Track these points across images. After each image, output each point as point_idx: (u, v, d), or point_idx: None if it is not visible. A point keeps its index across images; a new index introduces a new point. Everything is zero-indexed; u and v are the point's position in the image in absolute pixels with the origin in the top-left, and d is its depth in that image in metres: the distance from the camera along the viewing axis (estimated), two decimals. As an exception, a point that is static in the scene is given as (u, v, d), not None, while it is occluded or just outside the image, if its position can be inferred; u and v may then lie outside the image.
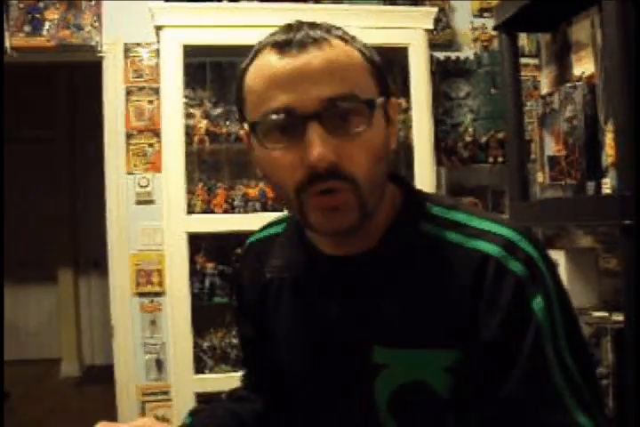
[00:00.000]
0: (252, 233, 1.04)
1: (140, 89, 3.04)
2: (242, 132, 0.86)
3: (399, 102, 0.83)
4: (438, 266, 0.80)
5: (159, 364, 3.02)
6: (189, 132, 2.78)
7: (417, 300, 0.80)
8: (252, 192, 2.85)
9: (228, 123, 2.89)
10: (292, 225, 0.93)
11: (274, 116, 0.75)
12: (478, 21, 3.28)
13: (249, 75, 0.80)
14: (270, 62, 0.77)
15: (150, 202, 3.04)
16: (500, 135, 3.02)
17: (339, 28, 0.82)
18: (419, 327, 0.79)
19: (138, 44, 3.04)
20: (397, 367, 0.80)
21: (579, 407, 0.72)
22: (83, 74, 4.61)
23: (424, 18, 2.83)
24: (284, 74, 0.75)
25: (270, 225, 1.02)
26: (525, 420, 0.73)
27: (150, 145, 3.04)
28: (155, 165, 3.02)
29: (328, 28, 0.80)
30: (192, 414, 0.98)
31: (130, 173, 3.04)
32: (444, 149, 3.12)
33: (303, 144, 0.74)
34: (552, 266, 0.81)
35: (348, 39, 0.80)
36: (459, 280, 0.78)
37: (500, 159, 3.09)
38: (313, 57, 0.75)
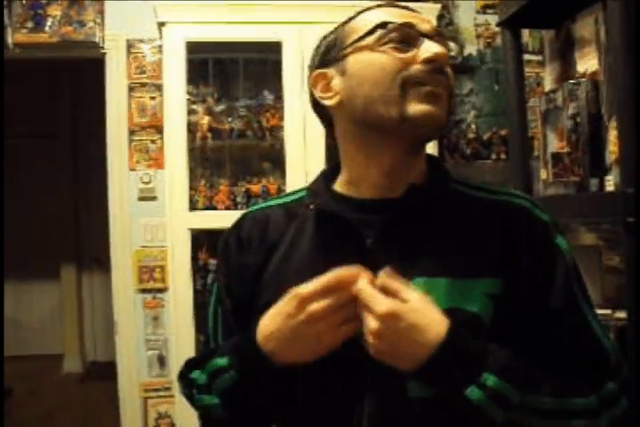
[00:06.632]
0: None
1: (143, 85, 3.04)
2: (315, 74, 0.95)
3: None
4: (470, 212, 0.91)
5: (161, 360, 3.03)
6: (192, 129, 2.78)
7: (455, 237, 0.88)
8: (255, 188, 2.85)
9: (230, 119, 2.89)
10: (316, 184, 0.99)
11: (396, 25, 0.88)
12: (482, 18, 3.27)
13: (351, 23, 0.93)
14: (381, 7, 0.92)
15: (153, 198, 3.04)
16: (503, 132, 3.02)
17: None
18: (459, 260, 0.86)
19: (140, 41, 3.04)
20: (439, 295, 0.83)
21: (603, 334, 0.89)
22: (85, 70, 4.62)
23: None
24: (397, 10, 0.92)
25: (269, 200, 1.06)
26: (563, 342, 0.86)
27: (153, 141, 3.04)
28: (157, 162, 3.02)
29: None
30: None
31: (132, 170, 3.05)
32: (446, 145, 3.12)
33: (414, 51, 0.87)
34: None
35: None
36: (490, 224, 0.89)
37: (502, 156, 3.09)
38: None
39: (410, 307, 0.77)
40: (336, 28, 0.95)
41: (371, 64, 0.88)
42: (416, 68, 0.86)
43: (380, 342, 0.77)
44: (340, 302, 0.79)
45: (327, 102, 0.93)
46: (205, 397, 0.89)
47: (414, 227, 0.88)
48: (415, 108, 0.85)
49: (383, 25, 0.88)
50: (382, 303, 0.76)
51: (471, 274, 0.85)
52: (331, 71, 0.92)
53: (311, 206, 0.93)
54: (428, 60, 0.85)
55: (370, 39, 0.89)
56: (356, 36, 0.90)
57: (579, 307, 0.89)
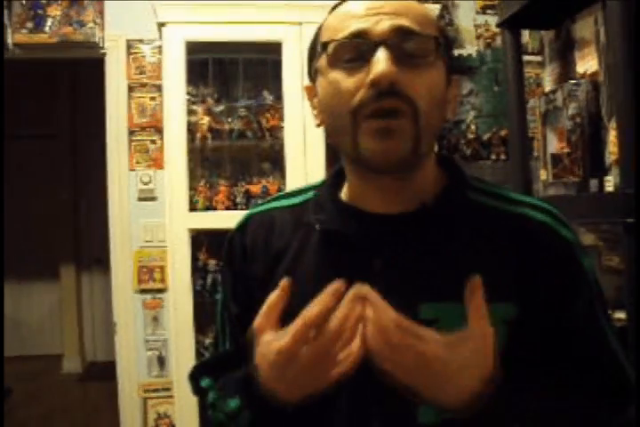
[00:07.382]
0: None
1: (143, 85, 3.04)
2: (306, 85, 0.89)
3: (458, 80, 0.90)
4: (486, 228, 0.83)
5: (161, 360, 3.02)
6: (192, 129, 2.78)
7: (468, 257, 0.80)
8: (254, 189, 2.85)
9: (230, 119, 2.88)
10: (323, 191, 0.92)
11: (346, 39, 0.78)
12: (481, 19, 3.27)
13: (326, 21, 0.85)
14: (349, 4, 0.82)
15: (152, 199, 3.04)
16: (503, 132, 3.02)
17: None
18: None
19: (140, 41, 3.04)
20: (449, 321, 0.75)
21: (622, 355, 0.84)
22: (85, 70, 4.62)
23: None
24: (361, 8, 0.79)
25: (274, 200, 1.00)
26: (585, 369, 0.81)
27: (153, 142, 3.04)
28: (157, 162, 3.02)
29: None
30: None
31: (132, 170, 3.05)
32: (446, 146, 3.11)
33: (369, 68, 0.76)
34: None
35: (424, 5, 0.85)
36: (507, 242, 0.82)
37: (502, 157, 3.09)
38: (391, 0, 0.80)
39: (460, 349, 0.69)
40: (315, 32, 0.87)
41: (327, 89, 0.80)
42: (362, 93, 0.76)
43: (419, 381, 0.70)
44: (334, 336, 0.69)
45: (315, 120, 0.87)
46: (219, 414, 0.85)
47: (425, 246, 0.81)
48: (366, 144, 0.76)
49: (325, 45, 0.80)
50: (432, 341, 0.69)
51: (485, 298, 0.76)
52: (315, 86, 0.86)
53: (317, 226, 0.86)
54: (373, 83, 0.75)
55: (323, 59, 0.81)
56: (315, 53, 0.84)
57: (603, 332, 0.84)
